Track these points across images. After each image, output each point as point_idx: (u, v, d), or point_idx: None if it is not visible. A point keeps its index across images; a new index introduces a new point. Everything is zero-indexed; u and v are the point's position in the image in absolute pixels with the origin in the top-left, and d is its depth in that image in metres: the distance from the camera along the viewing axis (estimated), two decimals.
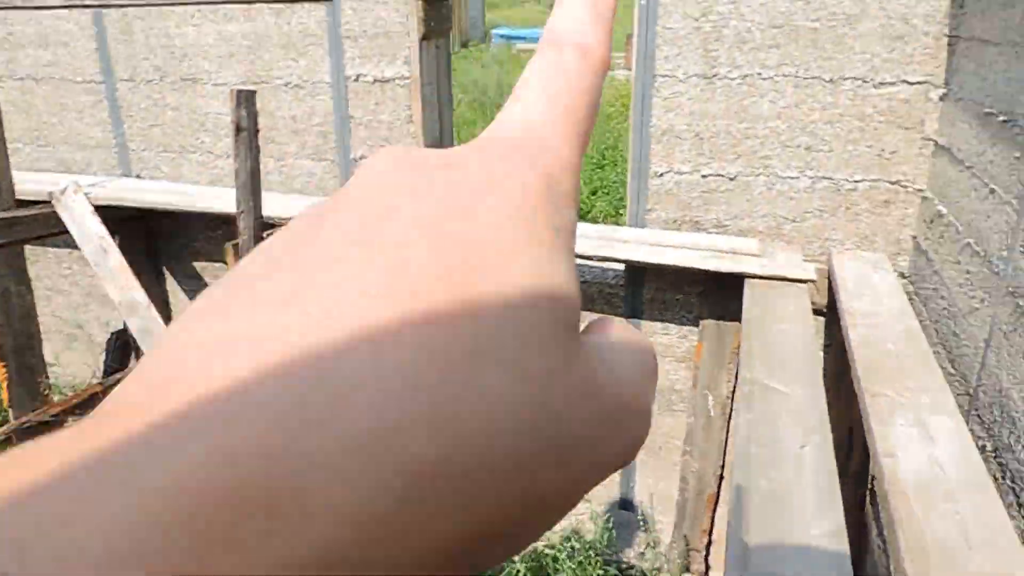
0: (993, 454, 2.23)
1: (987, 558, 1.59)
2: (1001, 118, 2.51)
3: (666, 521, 4.38)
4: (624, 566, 4.39)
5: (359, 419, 0.14)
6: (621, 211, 8.38)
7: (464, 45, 21.91)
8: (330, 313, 0.15)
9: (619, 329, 0.21)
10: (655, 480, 4.42)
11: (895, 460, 1.93)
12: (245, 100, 3.36)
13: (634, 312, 4.07)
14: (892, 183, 3.45)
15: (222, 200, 4.17)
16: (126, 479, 0.12)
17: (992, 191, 2.52)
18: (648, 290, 4.01)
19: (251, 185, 3.47)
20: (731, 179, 3.67)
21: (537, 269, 0.17)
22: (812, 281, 3.21)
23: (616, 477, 4.51)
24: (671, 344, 4.08)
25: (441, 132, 4.38)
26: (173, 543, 0.12)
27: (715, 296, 3.60)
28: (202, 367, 0.14)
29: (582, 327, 0.20)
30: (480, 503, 0.15)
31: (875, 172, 3.45)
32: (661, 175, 3.76)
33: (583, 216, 9.34)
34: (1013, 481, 2.07)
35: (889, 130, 3.38)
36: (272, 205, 4.08)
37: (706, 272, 3.39)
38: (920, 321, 3.15)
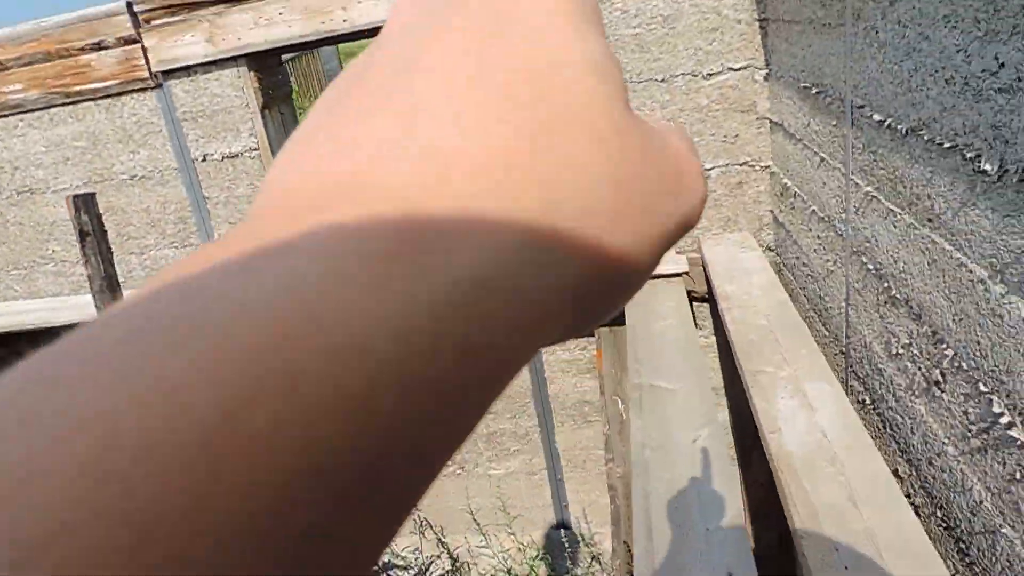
0: (872, 407, 2.34)
1: (872, 512, 1.65)
2: (814, 90, 2.67)
3: (605, 532, 4.39)
4: None
5: (484, 187, 0.16)
6: None
7: None
8: (441, 112, 0.17)
9: (654, 118, 0.25)
10: (585, 493, 4.44)
11: (779, 435, 1.99)
12: (84, 204, 3.19)
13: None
14: (741, 164, 3.61)
15: (84, 309, 3.95)
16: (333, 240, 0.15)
17: (822, 159, 2.67)
18: None
19: (108, 289, 3.29)
20: None
21: (590, 53, 0.19)
22: (686, 273, 3.31)
23: (547, 500, 4.50)
24: (573, 359, 4.11)
25: None
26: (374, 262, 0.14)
27: None
28: (367, 159, 0.17)
29: None
30: (585, 248, 0.17)
31: (724, 157, 3.61)
32: None
33: None
34: (892, 429, 2.17)
35: (727, 116, 3.55)
36: None
37: None
38: (791, 291, 3.30)
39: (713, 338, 3.96)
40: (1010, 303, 1.37)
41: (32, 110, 4.12)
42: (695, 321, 3.91)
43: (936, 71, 1.60)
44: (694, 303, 3.87)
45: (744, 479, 4.18)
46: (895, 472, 2.17)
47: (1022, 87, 1.25)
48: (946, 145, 1.57)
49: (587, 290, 0.18)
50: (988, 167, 1.39)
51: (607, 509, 4.30)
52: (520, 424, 4.34)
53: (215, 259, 0.14)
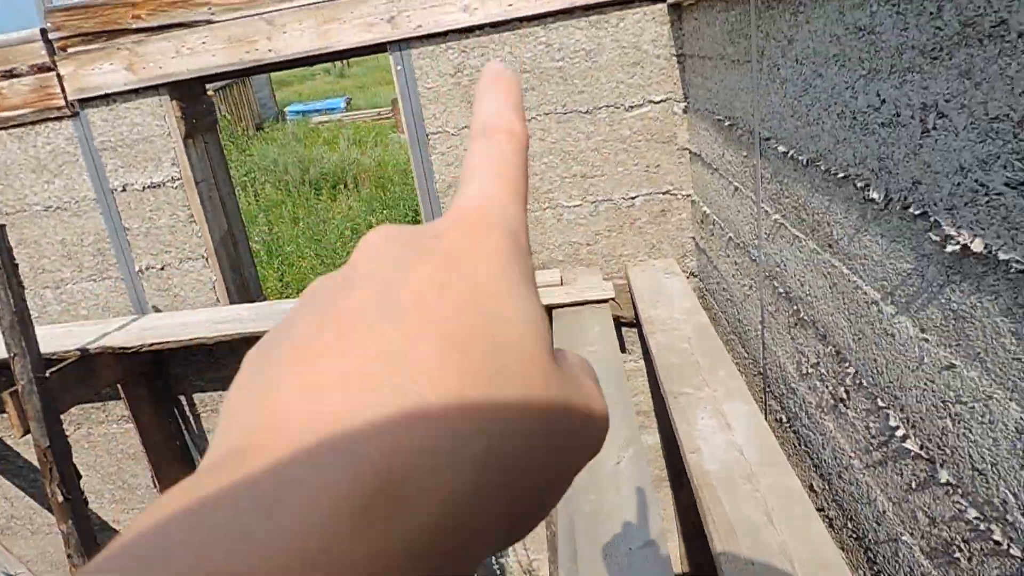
0: (788, 425, 2.43)
1: (785, 527, 1.72)
2: (727, 123, 2.79)
3: (542, 558, 4.39)
4: None
5: (435, 434, 0.19)
6: None
7: (259, 128, 21.45)
8: (393, 354, 0.20)
9: (568, 353, 0.28)
10: None
11: (699, 455, 2.05)
12: None
13: None
14: (663, 193, 3.73)
15: None
16: (279, 494, 0.17)
17: (736, 188, 2.79)
18: None
19: (19, 325, 3.16)
20: None
21: (524, 310, 0.23)
22: (612, 299, 3.38)
23: None
24: None
25: (230, 224, 4.23)
26: (333, 522, 0.17)
27: None
28: (303, 413, 0.19)
29: None
30: (517, 481, 0.21)
31: (647, 186, 3.72)
32: None
33: None
34: (806, 445, 2.26)
35: (649, 147, 3.66)
36: (55, 339, 3.74)
37: None
38: (712, 315, 3.41)
39: (642, 362, 4.05)
40: (899, 323, 1.46)
41: None
42: (623, 345, 3.99)
43: (829, 106, 1.70)
44: (623, 328, 3.95)
45: (676, 501, 4.25)
46: (810, 487, 2.25)
47: (900, 121, 1.35)
48: (840, 175, 1.67)
49: (519, 513, 0.22)
50: (875, 196, 1.48)
51: (543, 535, 4.30)
52: None
53: (220, 502, 0.17)
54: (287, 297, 8.25)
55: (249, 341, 4.15)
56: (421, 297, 0.22)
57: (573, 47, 3.54)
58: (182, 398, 4.34)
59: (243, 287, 4.31)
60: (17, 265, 3.21)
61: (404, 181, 11.77)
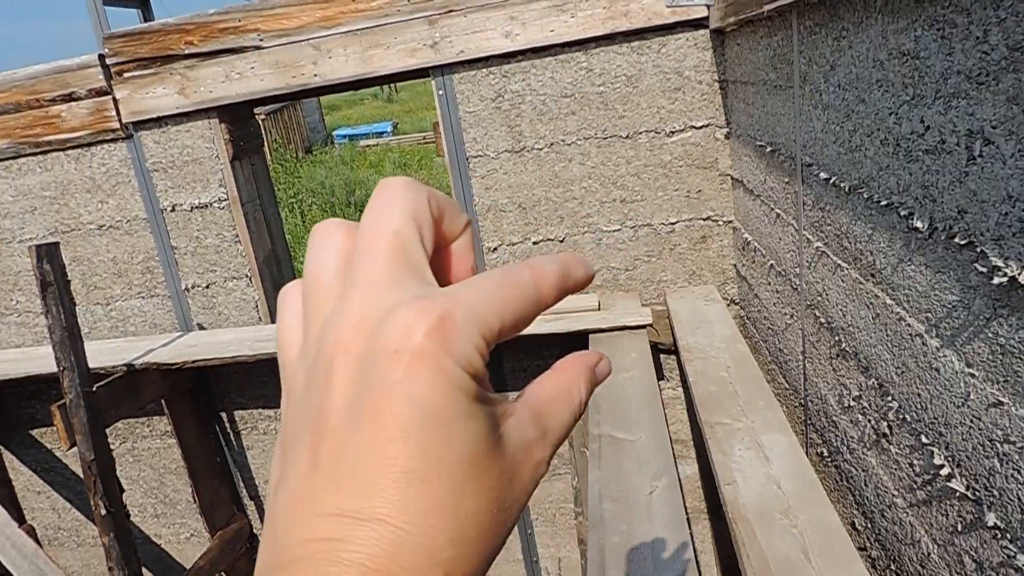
0: (830, 459, 2.35)
1: (824, 565, 1.65)
2: (769, 149, 2.75)
3: None
4: None
5: (413, 556, 0.26)
6: None
7: (308, 151, 21.95)
8: (371, 493, 0.26)
9: (520, 405, 0.31)
10: (556, 548, 4.37)
11: (735, 487, 2.00)
12: (47, 254, 3.17)
13: (498, 386, 4.08)
14: (704, 219, 3.68)
15: (45, 360, 3.88)
16: None
17: (778, 215, 2.74)
18: (508, 361, 4.04)
19: (69, 340, 3.25)
20: (560, 241, 3.80)
21: (470, 430, 0.28)
22: (650, 325, 3.34)
23: (517, 554, 4.43)
24: None
25: (274, 244, 4.31)
26: None
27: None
28: (314, 543, 0.26)
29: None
30: (483, 548, 0.28)
31: (687, 212, 3.68)
32: (495, 249, 3.84)
33: None
34: (848, 481, 2.18)
35: (691, 172, 3.63)
36: (104, 354, 3.84)
37: (556, 335, 3.46)
38: (753, 343, 3.34)
39: (680, 390, 3.98)
40: (944, 357, 1.40)
41: (1, 160, 4.12)
42: (661, 372, 3.93)
43: (872, 132, 1.66)
44: (661, 354, 3.90)
45: (715, 533, 4.14)
46: (852, 525, 2.17)
47: (945, 148, 1.31)
48: (883, 203, 1.63)
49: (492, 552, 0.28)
50: (920, 224, 1.44)
51: (578, 564, 4.24)
52: None
53: None
54: None
55: None
56: (386, 442, 0.26)
57: (614, 72, 3.54)
58: (223, 415, 4.40)
59: None
60: (69, 281, 3.32)
61: None
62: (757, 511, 1.89)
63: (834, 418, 2.25)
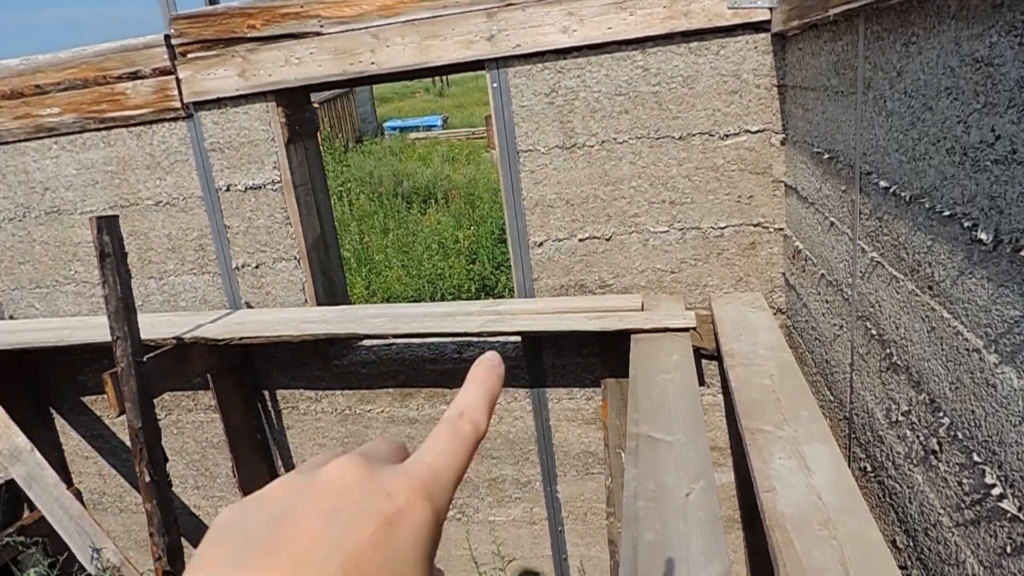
0: (873, 474, 2.30)
1: None
2: (827, 156, 2.70)
3: None
4: None
5: None
6: None
7: (359, 141, 22.20)
8: None
9: (393, 476, 0.36)
10: (586, 547, 4.36)
11: (774, 494, 1.97)
12: (107, 225, 3.28)
13: (537, 381, 4.08)
14: (755, 225, 3.63)
15: (100, 330, 4.01)
16: None
17: (832, 224, 2.69)
18: (548, 357, 4.04)
19: (123, 310, 3.35)
20: (607, 240, 3.79)
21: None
22: (693, 328, 3.31)
23: (547, 551, 4.43)
24: (578, 408, 4.09)
25: (323, 228, 4.38)
26: None
27: (612, 354, 3.66)
28: None
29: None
30: None
31: (737, 217, 3.63)
32: (541, 244, 3.85)
33: (491, 290, 9.41)
34: (891, 498, 2.13)
35: (743, 177, 3.58)
36: (155, 327, 3.95)
37: (597, 333, 3.44)
38: (799, 354, 3.28)
39: (721, 396, 3.94)
40: (1002, 373, 1.36)
41: (66, 133, 4.26)
42: (702, 378, 3.89)
43: (938, 140, 1.62)
44: (702, 360, 3.86)
45: (747, 544, 4.09)
46: (893, 543, 2.12)
47: (1016, 159, 1.27)
48: (946, 213, 1.59)
49: None
50: (984, 236, 1.40)
51: (607, 564, 4.22)
52: (523, 471, 4.30)
53: None
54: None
55: (331, 343, 4.27)
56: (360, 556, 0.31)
57: (670, 73, 3.51)
58: (266, 393, 4.49)
59: (331, 290, 4.44)
60: (126, 254, 3.42)
61: (493, 200, 11.92)
62: (796, 520, 1.86)
63: (880, 432, 2.20)
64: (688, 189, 3.64)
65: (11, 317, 4.76)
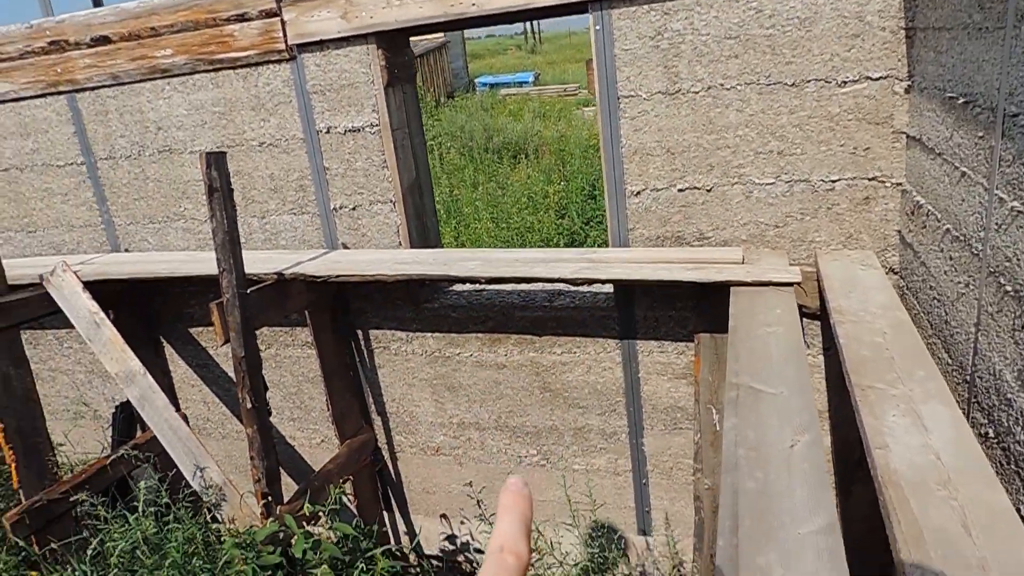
0: (996, 440, 2.16)
1: (987, 542, 1.52)
2: (962, 100, 2.49)
3: (686, 543, 4.27)
4: None
5: None
6: None
7: (450, 96, 22.27)
8: None
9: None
10: (670, 502, 4.32)
11: (887, 451, 1.87)
12: (215, 161, 3.38)
13: (628, 332, 4.02)
14: (870, 179, 3.42)
15: (207, 264, 4.18)
16: None
17: (963, 174, 2.49)
18: (640, 309, 3.97)
19: (229, 244, 3.47)
20: (708, 191, 3.65)
21: None
22: (797, 283, 3.17)
23: (630, 503, 4.42)
24: (669, 362, 4.02)
25: (418, 173, 4.40)
26: None
27: (707, 308, 3.56)
28: None
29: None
30: None
31: (851, 170, 3.43)
32: (638, 193, 3.75)
33: (580, 244, 9.33)
34: (1017, 465, 1.99)
35: (860, 127, 3.37)
36: (257, 263, 4.09)
37: (694, 284, 3.35)
38: (913, 314, 3.10)
39: (821, 358, 3.78)
40: None
41: (178, 75, 4.41)
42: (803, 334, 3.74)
43: None
44: (804, 319, 3.70)
45: (841, 511, 3.95)
46: (1018, 511, 1.99)
47: None
48: None
49: None
50: None
51: (691, 520, 4.17)
52: (609, 422, 4.27)
53: None
54: None
55: (423, 285, 4.32)
56: None
57: (786, 14, 3.31)
58: (359, 332, 4.61)
59: (424, 234, 4.48)
60: (233, 190, 3.53)
61: (583, 156, 11.76)
62: (911, 478, 1.76)
63: (1008, 396, 2.05)
64: (798, 139, 3.45)
65: (126, 250, 5.03)
